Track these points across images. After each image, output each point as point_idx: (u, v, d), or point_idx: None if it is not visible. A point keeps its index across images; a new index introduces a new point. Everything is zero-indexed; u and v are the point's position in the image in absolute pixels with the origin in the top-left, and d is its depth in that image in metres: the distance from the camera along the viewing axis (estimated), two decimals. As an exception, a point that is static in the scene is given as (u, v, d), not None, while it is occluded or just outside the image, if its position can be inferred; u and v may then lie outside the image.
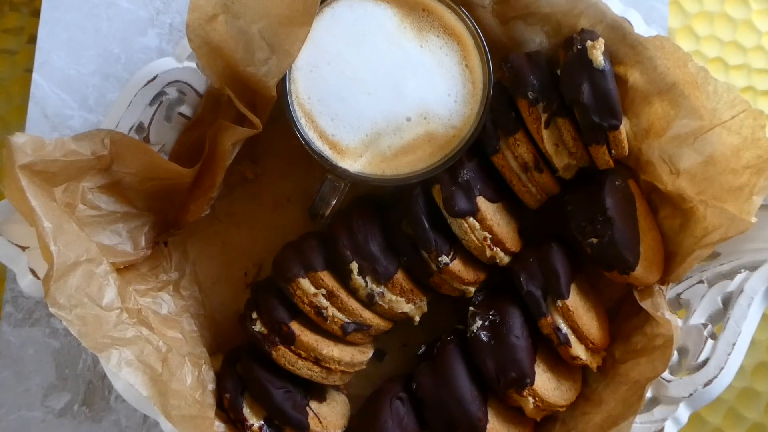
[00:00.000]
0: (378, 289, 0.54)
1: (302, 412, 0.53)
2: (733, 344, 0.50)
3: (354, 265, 0.53)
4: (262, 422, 0.53)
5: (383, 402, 0.54)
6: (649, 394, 0.52)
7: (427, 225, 0.53)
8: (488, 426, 0.53)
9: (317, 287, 0.53)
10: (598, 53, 0.50)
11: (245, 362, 0.54)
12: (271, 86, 0.51)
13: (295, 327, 0.53)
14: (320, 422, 0.54)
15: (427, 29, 0.53)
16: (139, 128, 0.55)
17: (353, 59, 0.52)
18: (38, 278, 0.50)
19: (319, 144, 0.52)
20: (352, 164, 0.52)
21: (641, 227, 0.54)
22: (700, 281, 0.55)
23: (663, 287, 0.54)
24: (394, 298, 0.54)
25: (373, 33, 0.52)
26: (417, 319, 0.56)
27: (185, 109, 0.56)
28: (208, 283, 0.59)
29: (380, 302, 0.54)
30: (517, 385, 0.52)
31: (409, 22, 0.53)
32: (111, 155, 0.52)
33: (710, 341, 0.52)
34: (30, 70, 0.64)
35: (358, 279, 0.53)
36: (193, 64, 0.55)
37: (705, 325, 0.53)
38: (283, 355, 0.53)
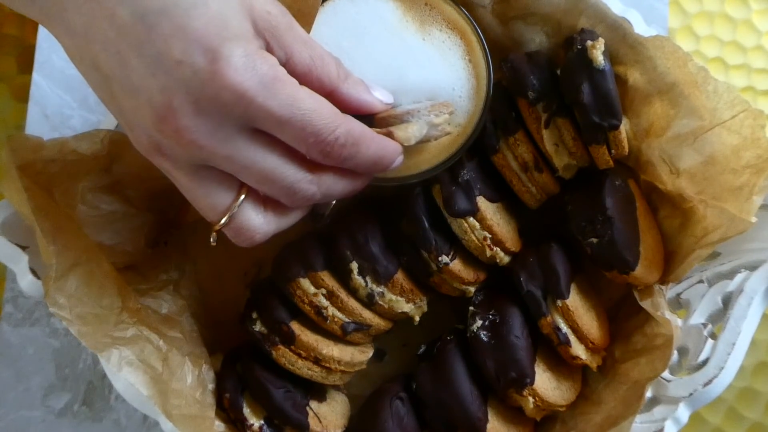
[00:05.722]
0: (378, 289, 0.53)
1: (302, 412, 0.53)
2: (733, 344, 0.50)
3: (354, 265, 0.53)
4: (262, 422, 0.53)
5: (383, 402, 0.54)
6: (649, 394, 0.52)
7: (427, 225, 0.53)
8: (488, 426, 0.53)
9: (317, 287, 0.53)
10: (598, 53, 0.50)
11: (245, 362, 0.54)
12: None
13: (295, 327, 0.53)
14: (320, 422, 0.54)
15: (429, 23, 0.52)
16: (139, 128, 0.55)
17: (355, 53, 0.51)
18: (38, 278, 0.50)
19: (319, 144, 0.51)
20: (352, 164, 0.52)
21: (641, 227, 0.54)
22: (700, 281, 0.55)
23: (663, 287, 0.54)
24: (394, 298, 0.54)
25: (375, 26, 0.52)
26: (417, 319, 0.56)
27: (185, 109, 0.56)
28: (208, 283, 0.59)
29: (380, 302, 0.54)
30: (517, 384, 0.52)
31: (411, 15, 0.52)
32: (111, 155, 0.51)
33: (710, 341, 0.52)
34: (30, 71, 0.64)
35: (358, 279, 0.53)
36: (193, 64, 0.54)
37: (705, 325, 0.53)
38: (283, 355, 0.53)
